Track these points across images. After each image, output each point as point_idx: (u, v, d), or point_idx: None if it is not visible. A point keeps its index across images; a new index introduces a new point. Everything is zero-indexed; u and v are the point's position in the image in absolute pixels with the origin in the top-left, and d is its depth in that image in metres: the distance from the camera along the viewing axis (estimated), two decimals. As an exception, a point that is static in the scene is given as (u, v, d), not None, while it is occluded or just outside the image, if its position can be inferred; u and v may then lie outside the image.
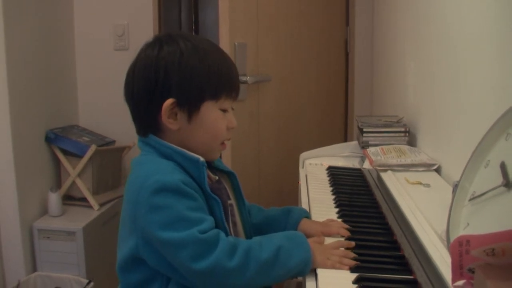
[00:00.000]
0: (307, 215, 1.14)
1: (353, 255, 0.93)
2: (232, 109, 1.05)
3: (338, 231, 1.03)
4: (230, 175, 1.11)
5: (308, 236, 1.02)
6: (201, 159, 0.98)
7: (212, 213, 0.96)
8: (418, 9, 1.68)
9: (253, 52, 2.17)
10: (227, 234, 0.96)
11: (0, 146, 2.07)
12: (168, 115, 0.98)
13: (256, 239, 0.94)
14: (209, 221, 0.91)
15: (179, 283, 0.93)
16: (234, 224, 1.06)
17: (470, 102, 1.18)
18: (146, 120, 1.01)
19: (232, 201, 1.08)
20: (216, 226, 0.93)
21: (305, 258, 0.91)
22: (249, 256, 0.88)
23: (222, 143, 1.05)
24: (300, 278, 1.01)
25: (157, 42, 1.01)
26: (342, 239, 1.02)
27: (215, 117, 1.01)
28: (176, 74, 0.97)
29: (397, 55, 2.00)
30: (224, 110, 1.02)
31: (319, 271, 0.90)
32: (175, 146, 0.99)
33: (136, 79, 1.00)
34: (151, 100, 0.98)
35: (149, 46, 1.02)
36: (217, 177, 1.07)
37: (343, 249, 0.96)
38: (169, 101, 0.97)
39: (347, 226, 1.05)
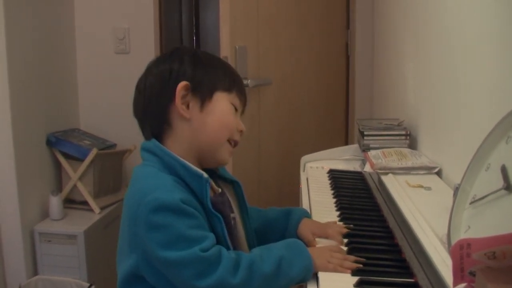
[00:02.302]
0: (307, 214, 1.14)
1: (353, 258, 0.92)
2: (242, 112, 1.07)
3: (335, 236, 1.02)
4: (234, 185, 1.10)
5: (305, 237, 1.03)
6: (205, 175, 0.96)
7: (213, 229, 0.95)
8: (418, 11, 1.68)
9: (253, 55, 2.18)
10: (228, 250, 0.95)
11: (2, 149, 2.07)
12: (181, 101, 0.98)
13: (256, 251, 0.94)
14: (211, 238, 0.90)
15: None
16: (236, 237, 1.05)
17: (471, 105, 1.18)
18: (157, 116, 1.00)
19: (235, 213, 1.07)
20: (218, 243, 0.92)
21: (306, 266, 0.91)
22: (252, 271, 0.88)
23: (231, 144, 1.04)
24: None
25: (167, 53, 1.05)
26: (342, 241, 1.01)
27: (226, 107, 1.02)
28: (191, 63, 1.00)
29: (398, 58, 2.00)
30: (235, 109, 1.04)
31: (320, 274, 0.90)
32: (179, 157, 0.97)
33: (148, 78, 1.02)
34: (164, 89, 0.99)
35: (160, 57, 1.06)
36: (220, 190, 1.05)
37: (341, 250, 0.96)
38: (182, 83, 0.98)
39: (346, 231, 1.05)
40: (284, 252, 0.92)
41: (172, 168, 0.96)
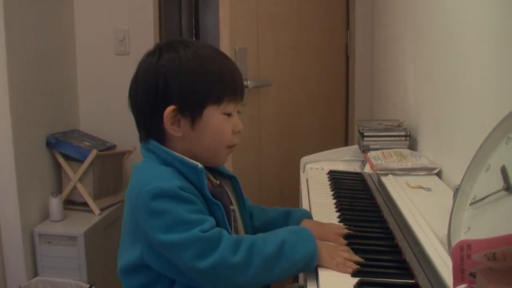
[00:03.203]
0: (308, 215, 1.14)
1: (357, 258, 0.92)
2: (238, 112, 1.05)
3: (336, 239, 1.02)
4: (232, 180, 1.11)
5: None
6: (200, 165, 0.97)
7: (214, 217, 0.95)
8: (418, 12, 1.68)
9: (253, 56, 2.18)
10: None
11: (1, 151, 2.07)
12: (171, 122, 0.98)
13: (260, 235, 0.95)
14: (210, 220, 0.91)
15: (184, 285, 0.93)
16: (236, 229, 1.06)
17: (471, 106, 1.18)
18: (151, 129, 1.01)
19: (234, 206, 1.08)
20: None
21: (311, 252, 0.91)
22: (253, 251, 0.88)
23: (229, 147, 1.04)
24: (301, 282, 1.00)
25: (157, 50, 1.01)
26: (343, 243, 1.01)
27: (218, 121, 1.00)
28: (176, 81, 0.97)
29: (398, 58, 2.00)
30: (229, 114, 1.02)
31: (320, 274, 0.90)
32: (175, 152, 0.99)
33: (138, 87, 1.01)
34: (153, 108, 0.98)
35: (149, 54, 1.02)
36: (218, 182, 1.07)
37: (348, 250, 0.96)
38: (169, 109, 0.97)
39: (347, 231, 1.05)
40: (288, 236, 0.92)
41: (168, 163, 0.98)
